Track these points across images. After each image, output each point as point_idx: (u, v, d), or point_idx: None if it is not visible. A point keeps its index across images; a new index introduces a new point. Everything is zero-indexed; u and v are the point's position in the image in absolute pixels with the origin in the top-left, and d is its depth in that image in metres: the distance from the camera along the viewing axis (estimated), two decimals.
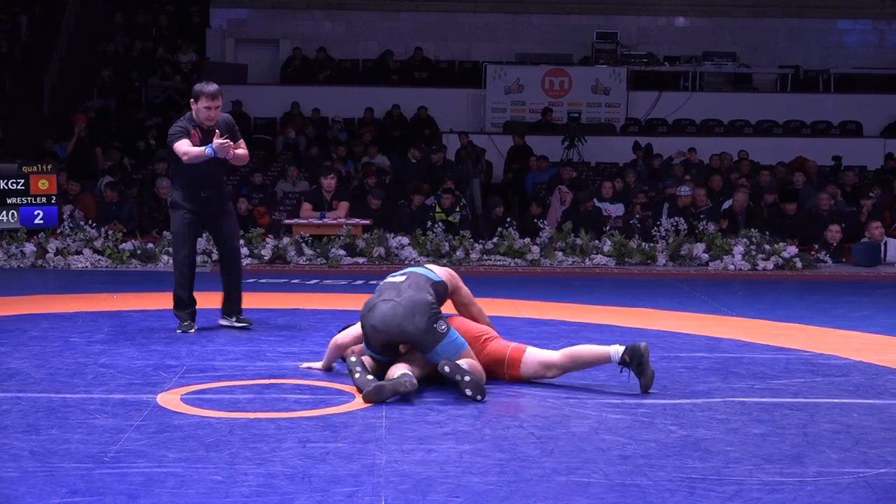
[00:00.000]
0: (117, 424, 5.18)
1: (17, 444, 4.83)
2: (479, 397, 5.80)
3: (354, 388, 6.04)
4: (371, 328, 6.06)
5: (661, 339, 7.97)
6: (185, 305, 8.23)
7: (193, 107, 8.04)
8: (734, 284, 12.16)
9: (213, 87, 8.03)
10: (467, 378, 5.83)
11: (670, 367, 6.85)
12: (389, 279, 6.30)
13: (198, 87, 8.07)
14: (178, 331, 8.09)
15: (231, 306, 8.35)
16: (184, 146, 7.93)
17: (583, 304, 10.03)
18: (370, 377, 5.89)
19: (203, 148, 7.89)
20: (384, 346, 6.12)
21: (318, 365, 6.70)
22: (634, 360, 6.05)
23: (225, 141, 7.88)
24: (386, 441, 4.96)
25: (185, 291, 8.22)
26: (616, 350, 6.13)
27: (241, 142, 8.25)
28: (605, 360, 6.20)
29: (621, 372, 6.14)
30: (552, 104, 21.59)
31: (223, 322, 8.33)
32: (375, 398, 5.72)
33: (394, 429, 5.18)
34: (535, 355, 6.32)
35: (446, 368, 5.86)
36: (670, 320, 9.01)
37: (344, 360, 6.35)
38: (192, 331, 8.10)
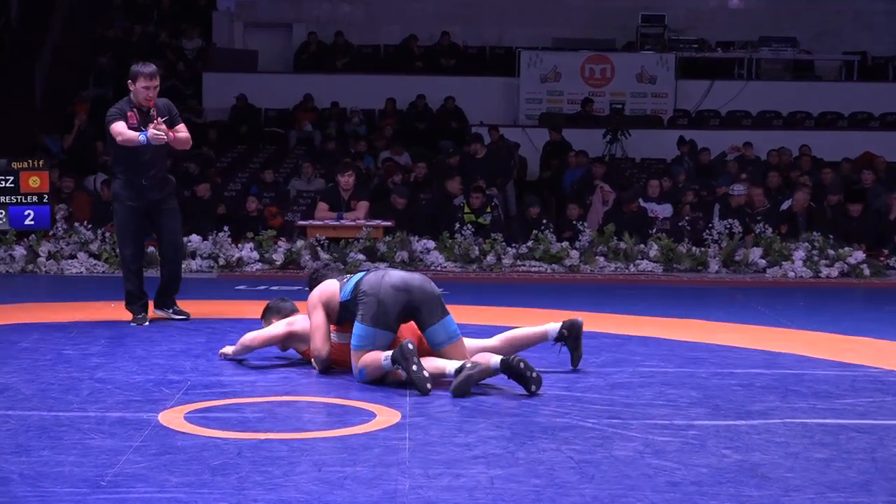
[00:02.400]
0: (115, 445, 5.19)
1: (5, 466, 4.86)
2: (536, 389, 6.41)
3: (374, 405, 6.06)
4: (392, 288, 6.58)
5: (714, 353, 7.94)
6: (136, 299, 9.09)
7: (131, 87, 8.90)
8: (794, 293, 12.12)
9: (150, 67, 8.92)
10: (535, 374, 6.39)
11: (724, 384, 6.83)
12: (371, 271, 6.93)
13: (135, 67, 8.93)
14: (133, 324, 8.92)
15: (166, 299, 9.23)
16: (119, 127, 8.74)
17: (627, 315, 10.01)
18: (426, 373, 6.36)
19: (137, 134, 8.65)
20: (400, 311, 6.60)
21: (230, 350, 7.42)
22: (572, 335, 7.01)
23: (159, 132, 8.61)
24: (409, 465, 4.96)
25: (135, 286, 9.09)
26: (553, 327, 7.01)
27: (182, 126, 9.06)
28: (542, 339, 7.07)
29: (560, 350, 7.05)
30: (593, 94, 21.57)
31: (159, 313, 9.19)
32: (465, 389, 6.30)
33: (418, 451, 5.18)
34: (472, 343, 6.93)
35: (521, 364, 6.38)
36: (724, 333, 8.98)
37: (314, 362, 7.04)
38: (147, 323, 8.94)
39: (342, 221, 13.93)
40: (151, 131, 8.60)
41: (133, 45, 22.49)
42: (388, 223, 14.12)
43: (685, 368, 7.30)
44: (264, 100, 21.52)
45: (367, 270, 6.99)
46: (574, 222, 14.64)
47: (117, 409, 5.94)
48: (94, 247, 13.32)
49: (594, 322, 9.43)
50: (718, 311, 10.44)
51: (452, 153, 18.64)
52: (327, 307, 6.94)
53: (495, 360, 6.54)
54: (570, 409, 6.07)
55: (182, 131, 9.03)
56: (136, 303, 9.09)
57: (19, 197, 13.36)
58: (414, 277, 6.75)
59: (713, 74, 22.33)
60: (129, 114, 8.85)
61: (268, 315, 7.57)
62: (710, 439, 5.47)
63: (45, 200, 13.48)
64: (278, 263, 13.37)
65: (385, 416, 5.87)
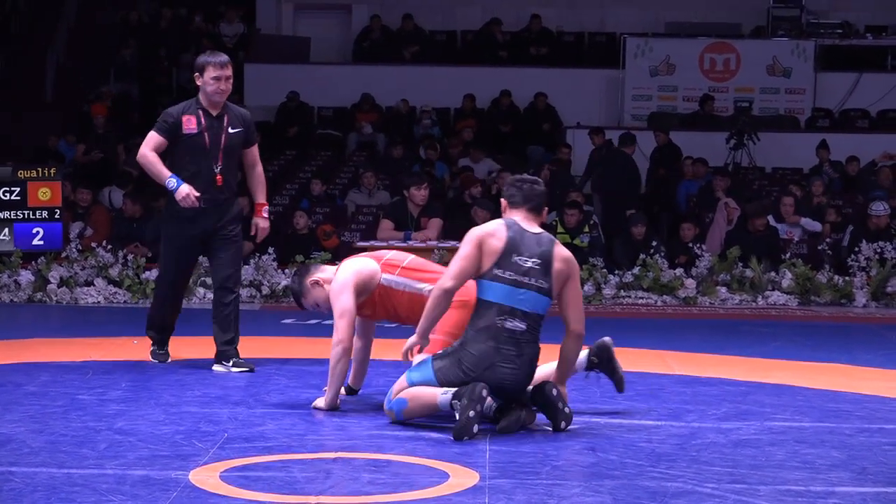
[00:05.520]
0: None
1: None
2: (565, 426, 6.86)
3: (446, 464, 6.07)
4: (486, 391, 6.69)
5: (860, 405, 7.87)
6: (160, 329, 9.21)
7: (199, 82, 8.74)
8: None
9: (221, 56, 8.79)
10: (567, 410, 6.86)
11: (872, 443, 6.77)
12: (509, 302, 7.02)
13: (202, 57, 8.80)
14: (152, 359, 9.15)
15: (228, 349, 9.00)
16: (150, 143, 8.67)
17: (754, 358, 9.96)
18: (477, 428, 6.63)
19: (167, 175, 8.60)
20: None
21: (322, 402, 7.40)
22: (603, 358, 7.28)
23: (192, 194, 8.53)
24: None
25: (163, 318, 9.17)
26: (580, 357, 7.20)
27: (255, 149, 8.99)
28: (573, 372, 7.23)
29: (587, 377, 7.37)
30: (714, 90, 21.51)
31: (218, 368, 8.88)
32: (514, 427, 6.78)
33: None
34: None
35: (554, 391, 6.84)
36: (873, 380, 8.90)
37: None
38: (169, 360, 9.15)
39: (410, 242, 13.95)
40: (186, 191, 8.51)
41: (162, 31, 22.73)
42: None
43: (825, 423, 7.24)
44: (317, 97, 21.63)
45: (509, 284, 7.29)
46: (689, 245, 14.59)
47: (141, 467, 5.98)
48: (114, 272, 13.44)
49: (714, 366, 9.38)
50: (866, 353, 10.36)
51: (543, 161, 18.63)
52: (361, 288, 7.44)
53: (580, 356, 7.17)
54: (684, 472, 6.04)
55: (255, 162, 9.04)
56: (159, 333, 9.18)
57: (26, 212, 13.39)
58: (513, 387, 6.82)
59: (861, 66, 22.16)
60: (186, 117, 8.66)
61: (303, 274, 7.96)
62: None
63: (56, 216, 13.52)
64: None
65: (460, 476, 5.86)
